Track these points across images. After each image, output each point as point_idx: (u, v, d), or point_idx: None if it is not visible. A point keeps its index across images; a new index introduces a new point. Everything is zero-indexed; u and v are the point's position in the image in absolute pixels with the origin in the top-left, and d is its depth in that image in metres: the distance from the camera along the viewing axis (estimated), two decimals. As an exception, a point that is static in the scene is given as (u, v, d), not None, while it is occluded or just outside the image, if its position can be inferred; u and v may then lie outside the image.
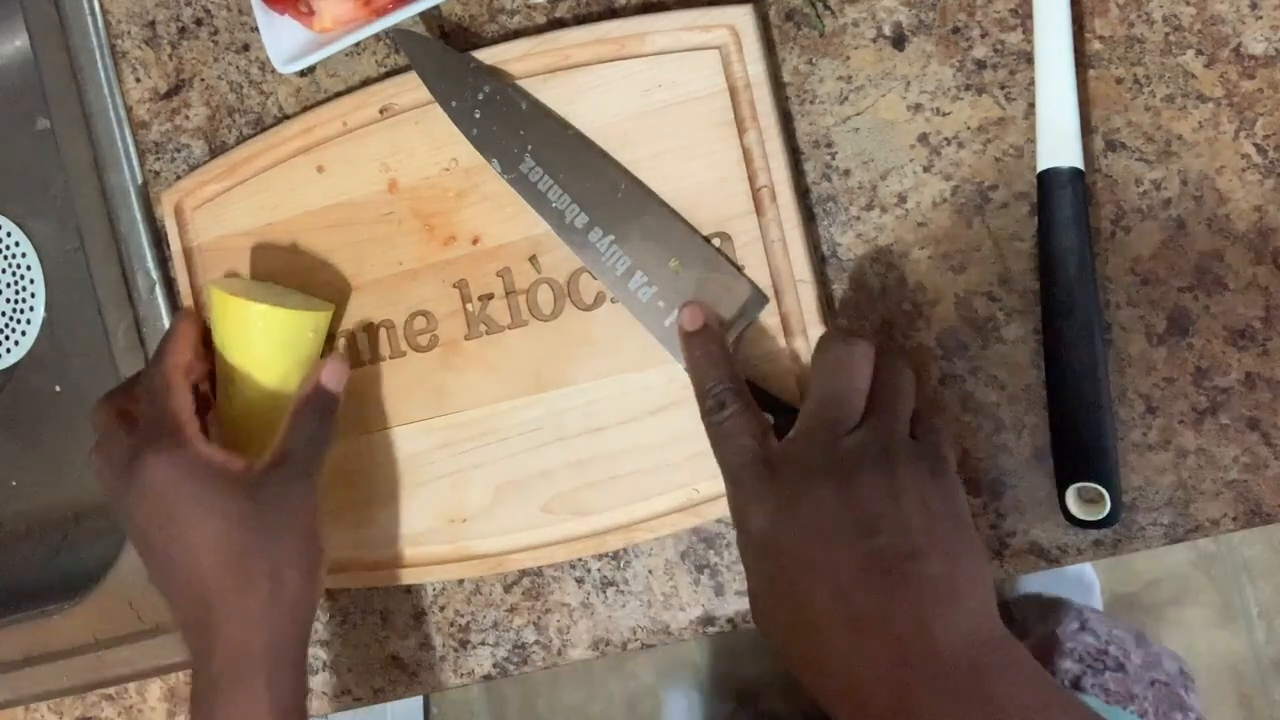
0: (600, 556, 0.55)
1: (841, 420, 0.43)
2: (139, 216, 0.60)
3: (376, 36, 0.56)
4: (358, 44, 0.56)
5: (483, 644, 0.57)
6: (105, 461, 0.50)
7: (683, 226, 0.50)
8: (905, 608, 0.37)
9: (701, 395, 0.46)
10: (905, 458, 0.41)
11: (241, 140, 0.59)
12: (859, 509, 0.39)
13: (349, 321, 0.56)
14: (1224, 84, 0.48)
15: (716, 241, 0.51)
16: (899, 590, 0.38)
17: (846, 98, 0.51)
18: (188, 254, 0.58)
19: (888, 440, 0.42)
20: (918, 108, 0.51)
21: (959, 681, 0.36)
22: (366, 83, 0.57)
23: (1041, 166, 0.48)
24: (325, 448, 0.51)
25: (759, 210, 0.51)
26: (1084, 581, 1.25)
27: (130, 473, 0.48)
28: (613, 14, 0.53)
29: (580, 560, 0.55)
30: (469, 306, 0.54)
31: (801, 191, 0.52)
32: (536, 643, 0.56)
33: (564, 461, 0.53)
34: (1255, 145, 0.48)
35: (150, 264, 0.60)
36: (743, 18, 0.50)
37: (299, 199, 0.56)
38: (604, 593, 0.55)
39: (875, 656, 0.37)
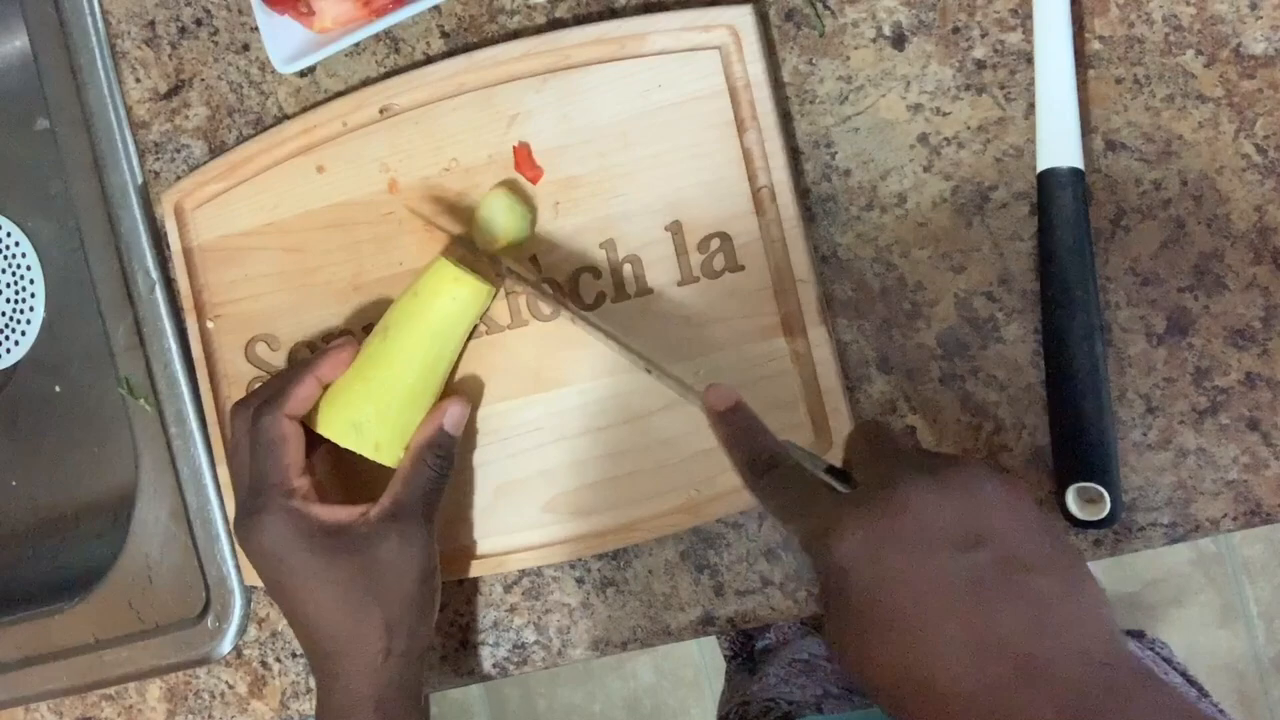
0: (600, 556, 0.55)
1: (900, 445, 0.41)
2: (139, 216, 0.60)
3: (376, 36, 0.56)
4: (358, 44, 0.56)
5: (483, 644, 0.57)
6: (235, 484, 0.52)
7: None
8: (1023, 624, 0.34)
9: (748, 464, 0.43)
10: (982, 468, 0.38)
11: (241, 140, 0.59)
12: (957, 519, 0.36)
13: (350, 322, 0.56)
14: (1224, 84, 0.48)
15: (716, 242, 0.51)
16: (1014, 606, 0.34)
17: (846, 98, 0.51)
18: (188, 254, 0.58)
19: (954, 454, 0.40)
20: (918, 108, 0.51)
21: (1092, 704, 0.33)
22: (366, 83, 0.57)
23: (1041, 166, 0.48)
24: (442, 493, 0.51)
25: (759, 210, 0.51)
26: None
27: (243, 529, 0.49)
28: (613, 14, 0.53)
29: (580, 560, 0.55)
30: (469, 306, 0.54)
31: (801, 191, 0.52)
32: (536, 643, 0.56)
33: (564, 461, 0.53)
34: (1255, 145, 0.48)
35: (150, 264, 0.60)
36: (743, 18, 0.50)
37: (299, 199, 0.56)
38: (604, 593, 0.55)
39: (994, 679, 0.33)
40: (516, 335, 0.54)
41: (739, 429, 0.44)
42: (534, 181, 0.53)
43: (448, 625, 0.57)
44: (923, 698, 0.35)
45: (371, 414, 0.51)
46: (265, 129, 0.58)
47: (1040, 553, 0.36)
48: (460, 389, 0.54)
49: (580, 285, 0.53)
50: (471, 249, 0.53)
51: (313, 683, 0.60)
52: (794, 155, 0.52)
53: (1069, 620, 0.34)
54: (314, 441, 0.52)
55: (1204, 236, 0.48)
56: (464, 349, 0.54)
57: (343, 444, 0.51)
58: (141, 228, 0.60)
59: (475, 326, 0.54)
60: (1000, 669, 0.33)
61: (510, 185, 0.53)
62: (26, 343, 0.75)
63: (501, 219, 0.52)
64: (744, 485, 0.44)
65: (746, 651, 1.02)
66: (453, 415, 0.52)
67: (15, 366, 0.75)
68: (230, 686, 0.61)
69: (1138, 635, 0.77)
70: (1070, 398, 0.48)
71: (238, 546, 0.56)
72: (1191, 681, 0.70)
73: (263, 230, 0.57)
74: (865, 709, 0.66)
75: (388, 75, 0.56)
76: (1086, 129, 0.49)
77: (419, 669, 0.51)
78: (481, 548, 0.55)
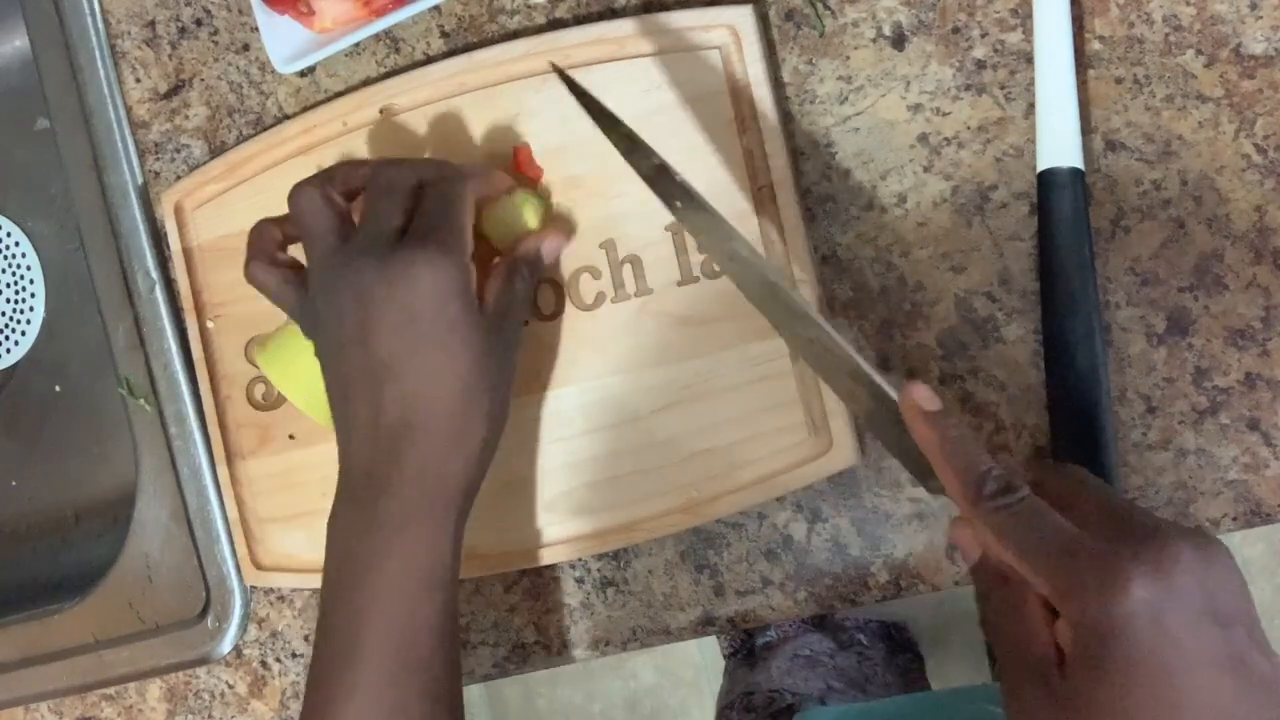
0: (600, 556, 0.55)
1: (1109, 492, 0.39)
2: (139, 216, 0.60)
3: (376, 36, 0.56)
4: (358, 44, 0.56)
5: (483, 644, 0.57)
6: (330, 243, 0.46)
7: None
8: (1256, 707, 0.34)
9: (976, 483, 0.38)
10: (1211, 534, 0.37)
11: (241, 140, 0.59)
12: (1216, 591, 0.35)
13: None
14: (1224, 84, 0.48)
15: (716, 241, 0.51)
16: (1254, 686, 0.34)
17: (846, 98, 0.51)
18: (188, 254, 0.58)
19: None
20: (918, 108, 0.51)
21: None
22: (366, 83, 0.57)
23: (1041, 166, 0.48)
24: (525, 314, 0.51)
25: (759, 210, 0.51)
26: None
27: (390, 265, 0.44)
28: (613, 14, 0.53)
29: (580, 560, 0.55)
30: (469, 306, 0.54)
31: (801, 191, 0.52)
32: (536, 643, 0.56)
33: (564, 461, 0.53)
34: (1255, 145, 0.48)
35: (150, 264, 0.60)
36: (743, 18, 0.50)
37: (299, 199, 0.56)
38: (604, 593, 0.55)
39: None
40: (516, 335, 0.54)
41: (954, 438, 0.40)
42: (534, 181, 0.53)
43: (448, 625, 0.57)
44: None
45: (311, 367, 0.50)
46: (265, 129, 0.58)
47: (1261, 632, 0.35)
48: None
49: (580, 285, 0.53)
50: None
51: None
52: (794, 155, 0.52)
53: (1276, 698, 0.34)
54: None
55: (1204, 236, 0.48)
56: None
57: (277, 385, 0.51)
58: (141, 228, 0.60)
59: None
60: None
61: (520, 185, 0.53)
62: (26, 343, 0.75)
63: (522, 219, 0.51)
64: (964, 508, 0.39)
65: (747, 648, 1.02)
66: (554, 241, 0.51)
67: (15, 366, 0.75)
68: (230, 686, 0.61)
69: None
70: (1070, 398, 0.48)
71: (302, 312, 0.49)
72: None
73: (263, 230, 0.57)
74: (867, 701, 0.66)
75: (388, 75, 0.56)
76: (1086, 129, 0.49)
77: (479, 485, 0.49)
78: (482, 548, 0.55)
